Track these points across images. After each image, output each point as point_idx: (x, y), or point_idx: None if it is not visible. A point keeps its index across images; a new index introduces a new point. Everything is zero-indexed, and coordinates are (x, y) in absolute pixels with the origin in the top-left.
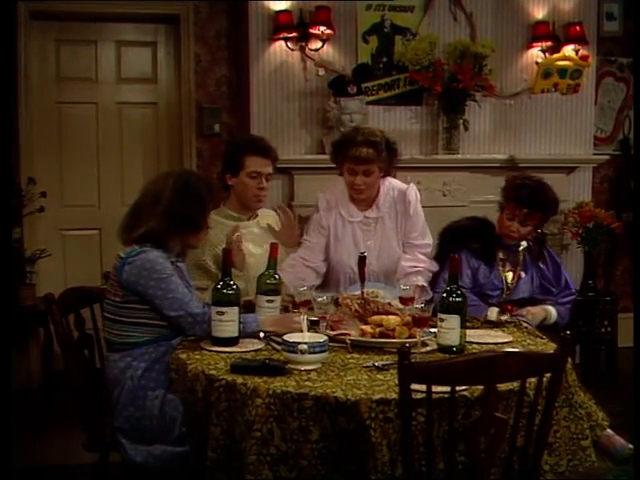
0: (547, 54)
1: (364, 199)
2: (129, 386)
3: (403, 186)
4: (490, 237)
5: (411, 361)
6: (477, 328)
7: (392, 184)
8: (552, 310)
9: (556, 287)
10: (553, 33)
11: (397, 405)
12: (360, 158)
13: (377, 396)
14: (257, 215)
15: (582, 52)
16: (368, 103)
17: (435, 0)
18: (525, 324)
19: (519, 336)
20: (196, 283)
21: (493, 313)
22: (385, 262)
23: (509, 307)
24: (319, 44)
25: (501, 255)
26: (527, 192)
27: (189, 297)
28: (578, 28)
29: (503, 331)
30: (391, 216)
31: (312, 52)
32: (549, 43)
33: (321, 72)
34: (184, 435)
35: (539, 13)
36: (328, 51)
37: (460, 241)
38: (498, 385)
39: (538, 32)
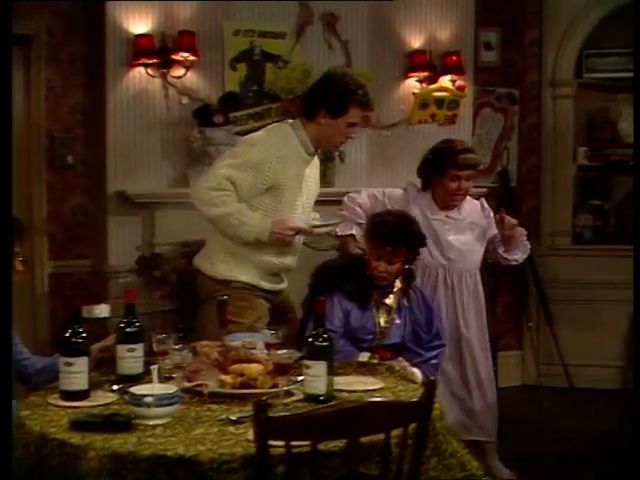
0: (424, 84)
1: (460, 204)
2: None
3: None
4: (365, 278)
5: (268, 415)
6: (349, 375)
7: None
8: (418, 374)
9: (427, 334)
10: (430, 63)
11: (243, 458)
12: (468, 164)
13: (221, 450)
14: (317, 154)
15: (459, 82)
16: (237, 133)
17: (308, 27)
18: (398, 368)
19: (391, 382)
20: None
21: (364, 358)
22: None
23: (381, 352)
24: (182, 71)
25: (375, 297)
26: (387, 230)
27: None
28: (455, 58)
29: (375, 377)
30: (473, 218)
31: (175, 79)
32: (426, 73)
33: (184, 100)
34: None
35: (416, 42)
36: (192, 78)
37: (333, 281)
38: (363, 438)
39: (415, 61)
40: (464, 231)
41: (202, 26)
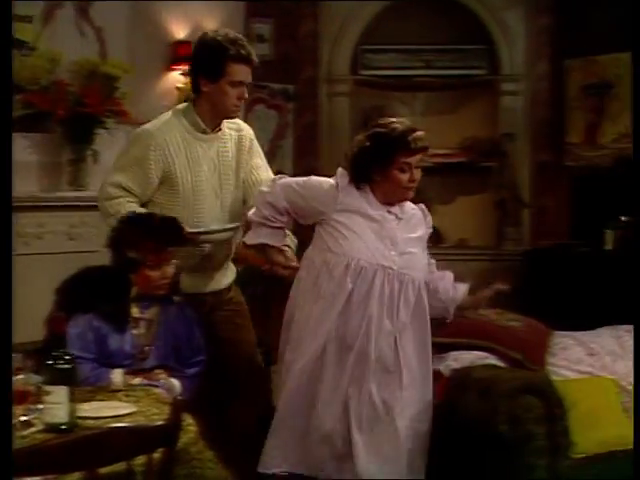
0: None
1: (409, 199)
2: None
3: None
4: (126, 294)
5: None
6: (97, 400)
7: None
8: (177, 387)
9: (188, 349)
10: None
11: None
12: (420, 147)
13: None
14: (221, 129)
15: None
16: None
17: (57, 10)
18: (157, 390)
19: (145, 405)
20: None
21: (118, 376)
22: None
23: (139, 375)
24: None
25: (135, 313)
26: (160, 229)
27: None
28: None
29: (128, 400)
30: (417, 223)
31: None
32: None
33: None
34: None
35: (180, 32)
36: None
37: (83, 299)
38: (102, 468)
39: (179, 53)
40: (409, 232)
41: None
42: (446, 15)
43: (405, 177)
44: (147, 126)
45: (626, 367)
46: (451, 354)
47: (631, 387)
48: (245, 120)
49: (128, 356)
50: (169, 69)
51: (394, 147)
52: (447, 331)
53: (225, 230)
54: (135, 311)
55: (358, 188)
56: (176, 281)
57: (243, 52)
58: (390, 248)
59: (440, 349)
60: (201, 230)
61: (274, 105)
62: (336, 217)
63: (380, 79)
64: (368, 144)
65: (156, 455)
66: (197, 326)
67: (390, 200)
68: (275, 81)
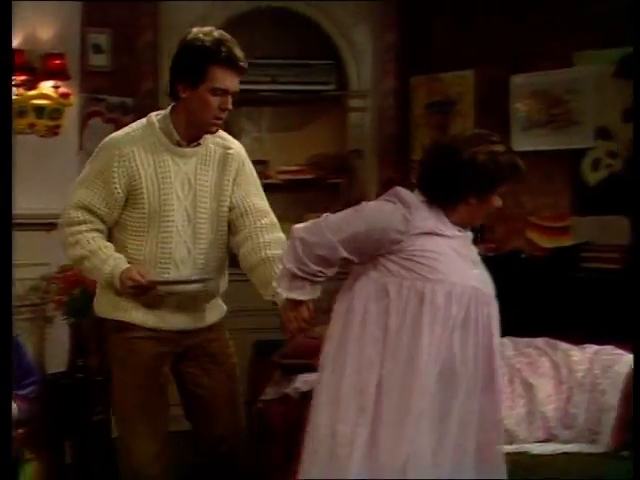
0: (21, 89)
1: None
2: None
3: None
4: None
5: None
6: None
7: None
8: (14, 408)
9: (18, 372)
10: (28, 65)
11: None
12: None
13: None
14: (200, 143)
15: (63, 89)
16: None
17: None
18: None
19: None
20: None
21: None
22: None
23: None
24: None
25: None
26: None
27: None
28: (58, 60)
29: None
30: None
31: None
32: (24, 77)
33: None
34: None
35: (13, 40)
36: None
37: None
38: None
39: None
40: (474, 251)
41: None
42: (293, 29)
43: (499, 203)
44: (114, 134)
45: None
46: (299, 377)
47: None
48: (80, 135)
49: None
50: None
51: (507, 172)
52: (296, 352)
53: (190, 282)
54: None
55: (430, 207)
56: None
57: (229, 55)
58: (472, 267)
59: (289, 372)
60: (164, 280)
61: (111, 119)
62: (413, 242)
63: None
64: (490, 163)
65: None
66: (24, 348)
67: (467, 223)
68: (113, 93)
